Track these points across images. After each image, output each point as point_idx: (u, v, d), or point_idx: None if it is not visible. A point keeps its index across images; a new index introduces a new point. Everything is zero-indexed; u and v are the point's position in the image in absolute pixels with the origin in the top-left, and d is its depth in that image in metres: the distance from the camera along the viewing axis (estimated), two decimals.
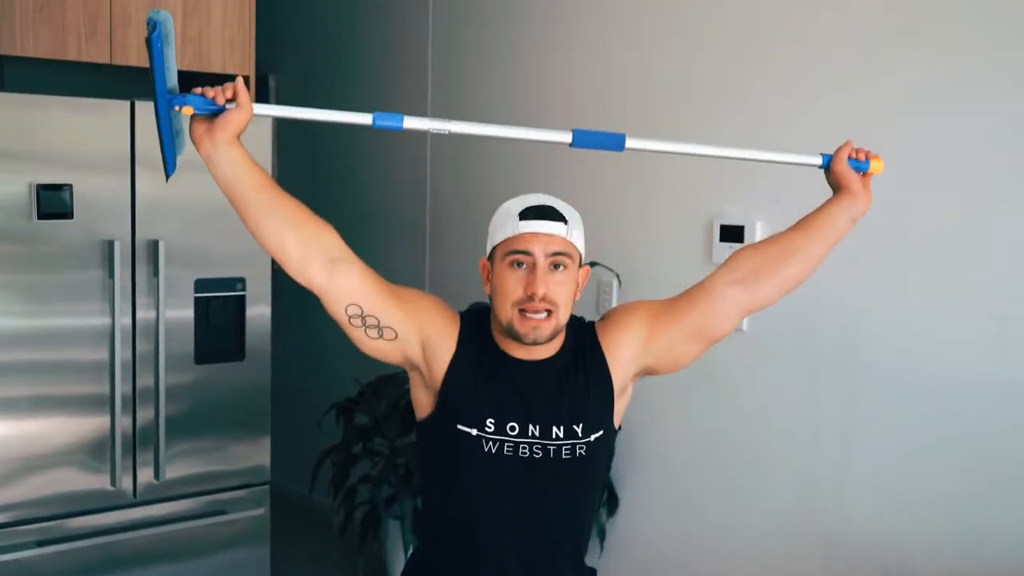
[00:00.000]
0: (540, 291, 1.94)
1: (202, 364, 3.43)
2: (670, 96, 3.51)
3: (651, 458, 3.62)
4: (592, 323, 2.17)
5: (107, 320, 3.23)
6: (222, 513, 3.47)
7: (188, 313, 3.40)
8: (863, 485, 3.17)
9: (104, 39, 3.33)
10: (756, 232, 3.30)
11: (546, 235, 1.97)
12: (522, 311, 1.96)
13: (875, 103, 3.06)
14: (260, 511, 3.55)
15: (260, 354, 3.55)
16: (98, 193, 3.23)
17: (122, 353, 3.26)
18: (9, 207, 3.07)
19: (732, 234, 3.36)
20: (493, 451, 2.01)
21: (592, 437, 2.05)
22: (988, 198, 2.86)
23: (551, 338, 2.00)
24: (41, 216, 3.10)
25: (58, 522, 3.20)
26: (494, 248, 2.03)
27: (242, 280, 3.49)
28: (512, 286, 1.97)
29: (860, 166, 2.19)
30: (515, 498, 2.03)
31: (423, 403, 2.08)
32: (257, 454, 3.59)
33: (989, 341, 2.87)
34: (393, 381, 4.07)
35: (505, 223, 2.01)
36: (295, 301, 4.78)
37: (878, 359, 3.11)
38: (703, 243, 3.39)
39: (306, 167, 5.00)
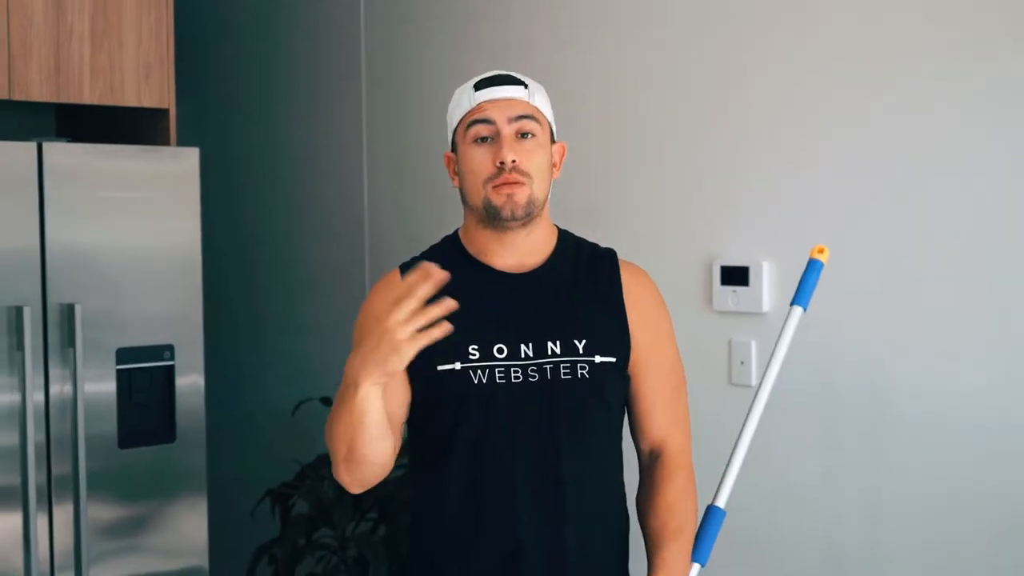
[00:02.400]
0: (509, 157, 2.04)
1: (127, 448, 3.45)
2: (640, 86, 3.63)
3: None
4: (614, 252, 2.27)
5: (16, 398, 3.22)
6: None
7: (110, 388, 3.42)
8: (896, 565, 3.23)
9: (1, 71, 3.36)
10: (763, 274, 3.39)
11: (506, 100, 2.09)
12: (495, 186, 2.06)
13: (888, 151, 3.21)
14: None
15: (193, 434, 3.59)
16: (3, 251, 3.25)
17: (35, 437, 3.25)
18: None
19: (735, 276, 3.41)
20: (483, 381, 2.07)
21: (596, 358, 2.11)
22: (1015, 244, 2.97)
23: (528, 212, 2.08)
24: None
25: None
26: (455, 132, 2.14)
27: (170, 348, 3.54)
28: (479, 163, 2.08)
29: None
30: (518, 436, 2.08)
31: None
32: (193, 552, 3.62)
33: None
34: None
35: (461, 100, 2.13)
36: (220, 369, 4.83)
37: (907, 418, 3.18)
38: (702, 287, 3.44)
39: (230, 238, 5.06)
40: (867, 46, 3.24)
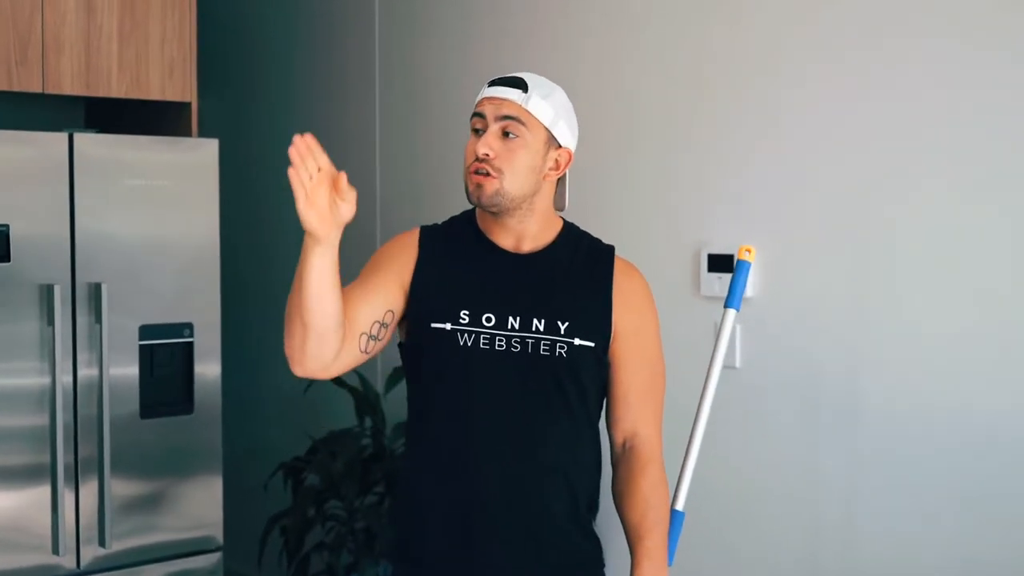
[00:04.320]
0: (482, 150, 2.17)
1: (148, 419, 3.54)
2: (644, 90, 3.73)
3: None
4: (612, 248, 2.39)
5: (46, 371, 3.34)
6: None
7: (133, 362, 3.52)
8: (873, 542, 3.26)
9: (36, 66, 3.46)
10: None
11: (499, 99, 2.21)
12: (471, 174, 2.21)
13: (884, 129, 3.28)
14: None
15: (210, 406, 3.68)
16: (36, 234, 3.34)
17: (64, 409, 3.37)
18: None
19: (721, 264, 3.49)
20: (469, 344, 2.19)
21: (575, 341, 2.21)
22: (997, 235, 3.00)
23: (494, 204, 2.20)
24: None
25: None
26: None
27: (189, 326, 3.62)
28: (468, 151, 2.23)
29: None
30: (495, 399, 2.19)
31: (403, 332, 2.29)
32: (209, 518, 3.69)
33: (1002, 380, 3.00)
34: (349, 436, 4.18)
35: (479, 92, 2.28)
36: (239, 346, 4.91)
37: (883, 399, 3.22)
38: (690, 274, 3.54)
39: (247, 224, 5.12)
40: (851, 38, 3.28)
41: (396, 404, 4.36)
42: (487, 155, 2.18)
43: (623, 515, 2.32)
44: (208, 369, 3.69)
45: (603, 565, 2.37)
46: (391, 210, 4.69)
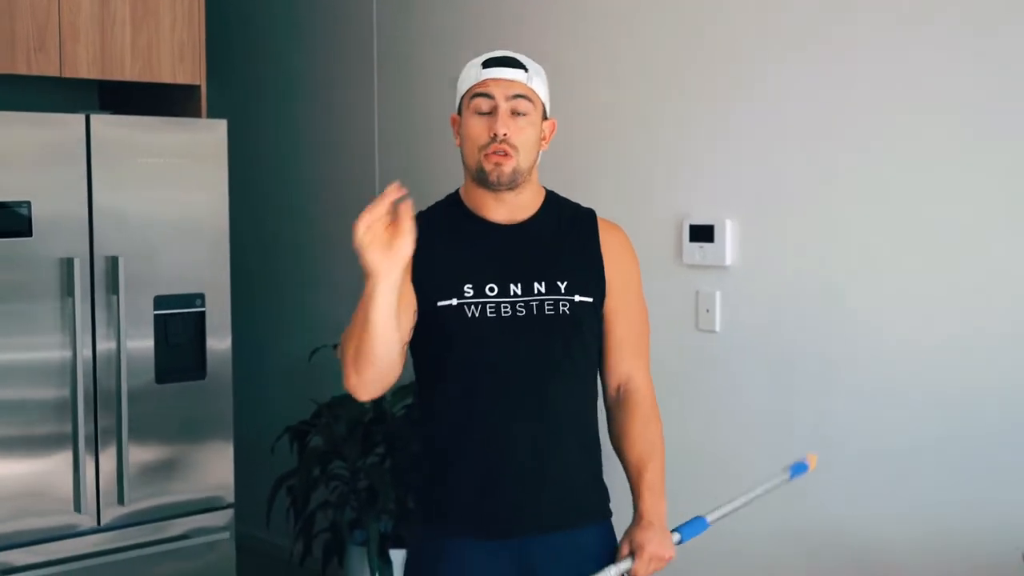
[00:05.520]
0: (501, 131, 2.20)
1: (163, 383, 3.62)
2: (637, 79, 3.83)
3: (617, 464, 3.89)
4: (593, 211, 2.45)
5: (67, 342, 3.41)
6: (186, 537, 3.66)
7: (148, 330, 3.58)
8: (840, 489, 3.35)
9: (54, 52, 3.52)
10: (726, 232, 3.53)
11: (507, 80, 2.24)
12: (487, 155, 2.23)
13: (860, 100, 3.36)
14: (225, 535, 3.74)
15: (221, 372, 3.74)
16: (55, 210, 3.40)
17: (84, 379, 3.44)
18: None
19: (702, 234, 3.57)
20: (476, 315, 2.24)
21: (576, 297, 2.29)
22: (964, 206, 3.07)
23: (512, 181, 2.25)
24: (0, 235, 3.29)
25: (25, 550, 3.37)
26: (461, 100, 2.30)
27: (201, 296, 3.69)
28: (477, 132, 2.24)
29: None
30: (507, 361, 2.24)
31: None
32: (220, 478, 3.77)
33: (963, 346, 3.08)
34: (351, 401, 4.24)
35: (469, 73, 2.29)
36: (248, 317, 4.99)
37: (851, 361, 3.32)
38: (673, 243, 3.64)
39: (254, 202, 5.15)
40: (832, 20, 3.33)
41: None
42: (506, 135, 2.21)
43: (623, 453, 2.39)
44: (219, 337, 3.75)
45: (610, 514, 2.45)
46: (389, 182, 4.75)
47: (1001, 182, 3.04)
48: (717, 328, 3.56)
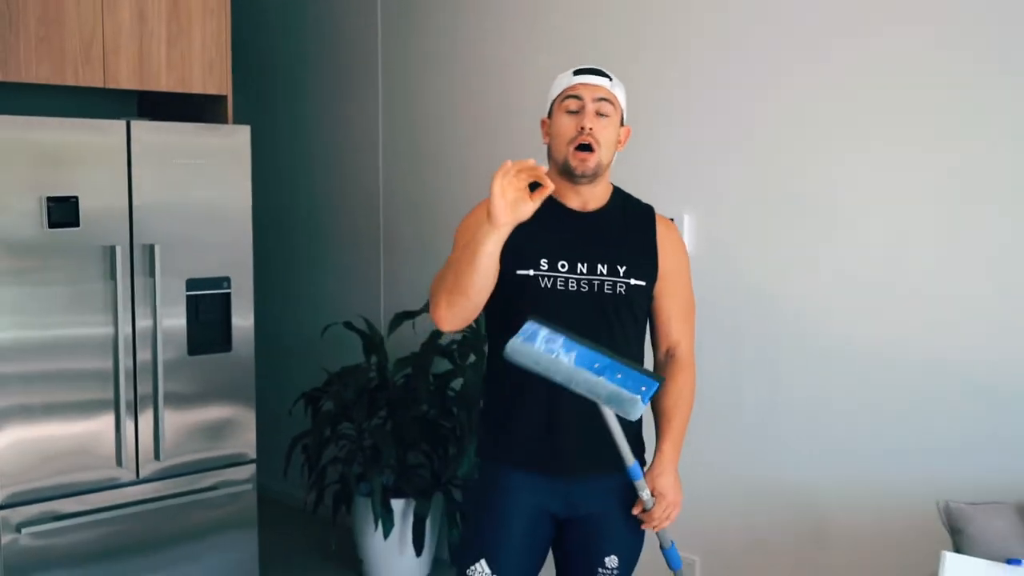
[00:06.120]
0: (588, 124, 2.36)
1: (194, 355, 3.67)
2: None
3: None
4: (652, 207, 2.58)
5: (110, 324, 3.47)
6: (214, 489, 3.73)
7: (181, 309, 3.63)
8: (781, 445, 3.46)
9: (98, 65, 3.55)
10: (684, 223, 3.61)
11: (593, 85, 2.40)
12: (575, 149, 2.37)
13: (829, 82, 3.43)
14: (248, 486, 3.82)
15: (245, 345, 3.79)
16: (100, 204, 3.44)
17: (125, 352, 3.49)
18: (22, 217, 3.29)
19: None
20: (548, 286, 2.39)
21: (632, 281, 2.43)
22: (897, 203, 3.15)
23: (595, 172, 2.40)
24: (51, 225, 3.33)
25: (75, 499, 3.44)
26: (552, 104, 2.44)
27: (227, 279, 3.73)
28: (566, 128, 2.39)
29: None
30: (568, 326, 2.28)
31: None
32: (243, 437, 3.83)
33: (887, 322, 3.18)
34: (358, 370, 4.35)
35: (562, 81, 2.44)
36: (268, 297, 4.99)
37: (794, 337, 3.41)
38: None
39: (273, 198, 5.18)
40: (767, 24, 3.38)
41: (396, 344, 4.56)
42: (591, 128, 2.36)
43: (657, 403, 2.51)
44: (243, 315, 3.80)
45: (645, 463, 2.53)
46: (392, 179, 4.81)
47: (930, 178, 3.12)
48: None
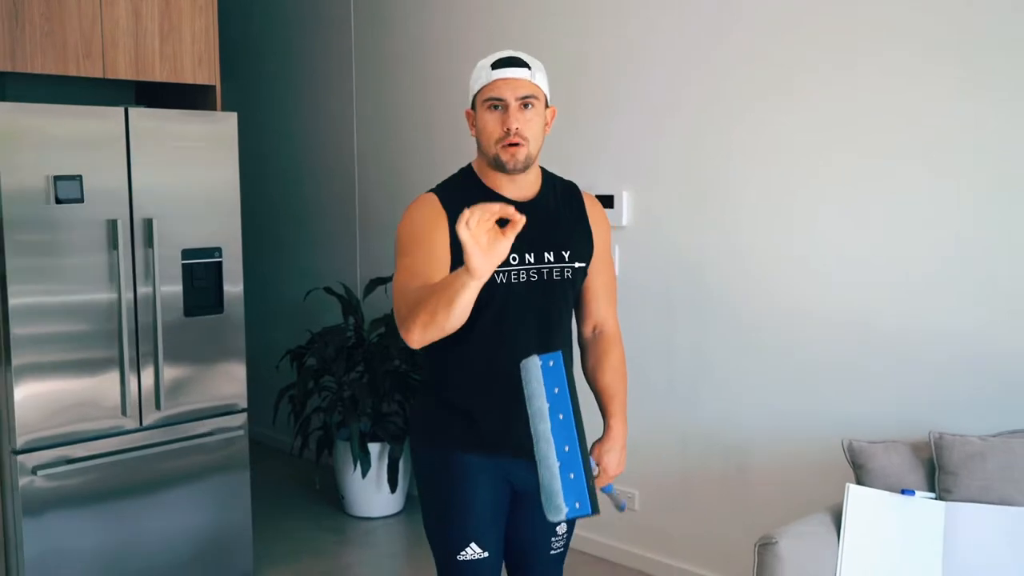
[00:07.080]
0: (513, 126, 2.11)
1: (190, 317, 3.61)
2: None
3: None
4: (575, 184, 2.35)
5: (114, 290, 3.41)
6: (210, 435, 3.68)
7: (178, 276, 3.57)
8: (710, 395, 3.49)
9: (98, 58, 3.48)
10: (624, 199, 3.62)
11: (514, 80, 2.12)
12: (503, 146, 2.13)
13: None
14: (240, 432, 3.76)
15: (236, 308, 3.73)
16: (102, 182, 3.38)
17: (127, 316, 3.44)
18: (32, 195, 3.24)
19: (605, 201, 3.61)
20: (503, 281, 2.17)
21: (576, 264, 2.25)
22: (830, 164, 3.14)
23: (526, 165, 2.15)
24: (58, 201, 3.27)
25: (83, 445, 3.40)
26: (474, 97, 2.18)
27: (219, 249, 3.66)
28: (492, 127, 2.14)
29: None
30: (523, 315, 2.19)
31: None
32: (236, 389, 3.76)
33: (804, 282, 3.19)
34: (337, 330, 4.34)
35: (480, 75, 2.16)
36: (256, 265, 4.96)
37: (720, 301, 3.43)
38: None
39: (259, 176, 5.19)
40: (720, 15, 3.33)
41: (371, 306, 4.55)
42: (518, 128, 2.12)
43: (596, 381, 2.32)
44: (233, 282, 3.74)
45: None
46: (366, 159, 4.78)
47: (841, 149, 3.11)
48: (617, 273, 3.59)
